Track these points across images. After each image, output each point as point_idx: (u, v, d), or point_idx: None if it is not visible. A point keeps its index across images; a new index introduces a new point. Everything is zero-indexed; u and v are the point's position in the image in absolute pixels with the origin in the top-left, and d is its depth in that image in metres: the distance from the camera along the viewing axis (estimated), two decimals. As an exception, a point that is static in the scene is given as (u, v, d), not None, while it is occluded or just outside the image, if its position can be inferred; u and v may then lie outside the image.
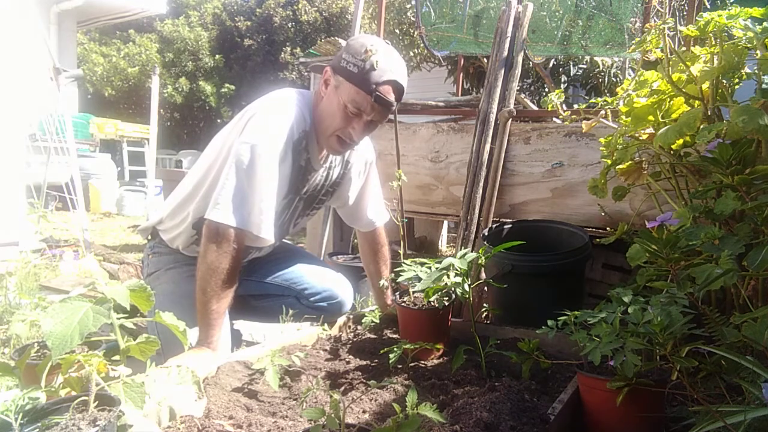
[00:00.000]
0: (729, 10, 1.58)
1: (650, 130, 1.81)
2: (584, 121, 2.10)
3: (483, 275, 2.17)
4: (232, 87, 14.62)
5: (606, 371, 1.28)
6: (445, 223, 4.74)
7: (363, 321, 1.97)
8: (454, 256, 1.66)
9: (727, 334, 1.26)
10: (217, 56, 15.05)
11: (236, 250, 1.56)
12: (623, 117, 1.86)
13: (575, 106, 2.63)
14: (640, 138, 1.82)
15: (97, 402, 0.95)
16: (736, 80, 1.65)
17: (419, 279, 1.65)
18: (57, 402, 0.96)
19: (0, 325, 2.19)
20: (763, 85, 1.50)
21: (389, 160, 3.00)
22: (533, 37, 3.39)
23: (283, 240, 2.12)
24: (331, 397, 0.98)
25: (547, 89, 5.86)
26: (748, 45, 1.58)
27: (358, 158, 1.98)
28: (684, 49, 2.16)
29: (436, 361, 1.69)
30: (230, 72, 15.11)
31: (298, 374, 1.48)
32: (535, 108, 3.87)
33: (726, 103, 1.64)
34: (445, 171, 3.00)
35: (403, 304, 1.76)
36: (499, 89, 2.77)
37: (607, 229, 2.38)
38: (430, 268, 1.67)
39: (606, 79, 5.98)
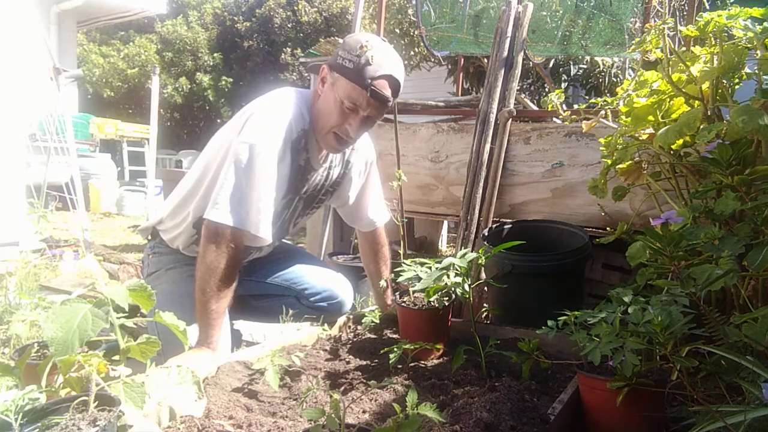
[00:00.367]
0: (729, 10, 1.58)
1: (650, 130, 1.81)
2: (584, 121, 2.10)
3: (483, 275, 2.17)
4: (230, 79, 14.59)
5: (606, 371, 1.28)
6: (445, 223, 4.74)
7: (363, 321, 1.97)
8: (454, 256, 1.66)
9: (727, 333, 1.26)
10: (216, 54, 15.04)
11: (235, 249, 1.56)
12: (623, 117, 1.86)
13: (575, 106, 2.63)
14: (640, 138, 1.82)
15: (97, 402, 0.95)
16: (736, 80, 1.65)
17: (419, 279, 1.65)
18: (57, 402, 0.96)
19: (0, 325, 2.19)
20: (763, 85, 1.50)
21: (389, 160, 3.00)
22: (533, 37, 3.39)
23: (283, 240, 2.11)
24: (331, 397, 0.98)
25: (547, 89, 5.86)
26: (748, 45, 1.58)
27: (358, 158, 1.98)
28: (684, 49, 2.16)
29: (436, 361, 1.69)
30: (230, 72, 15.11)
31: (298, 374, 1.48)
32: (535, 108, 3.87)
33: (726, 103, 1.64)
34: (445, 171, 3.00)
35: (403, 304, 1.76)
36: (499, 89, 2.77)
37: (607, 229, 2.38)
38: (430, 268, 1.67)
39: (606, 79, 5.98)
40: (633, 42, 1.91)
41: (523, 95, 3.96)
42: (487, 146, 2.72)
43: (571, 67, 6.36)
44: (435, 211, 3.08)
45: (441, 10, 3.74)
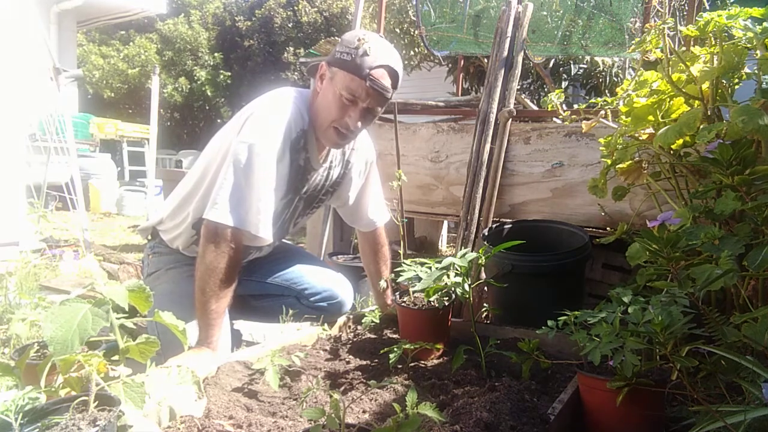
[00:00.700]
0: (729, 10, 1.58)
1: (650, 130, 1.81)
2: (584, 121, 2.10)
3: (483, 275, 2.17)
4: (228, 74, 14.57)
5: (606, 371, 1.28)
6: (445, 223, 4.74)
7: (363, 321, 1.97)
8: (454, 256, 1.66)
9: (727, 333, 1.26)
10: (216, 54, 15.03)
11: (234, 249, 1.55)
12: (623, 117, 1.86)
13: (575, 106, 2.63)
14: (640, 138, 1.82)
15: (97, 402, 0.95)
16: (736, 80, 1.65)
17: (419, 279, 1.65)
18: (57, 402, 0.96)
19: (0, 325, 2.19)
20: (763, 85, 1.50)
21: (389, 160, 3.00)
22: (533, 37, 3.39)
23: (283, 240, 2.11)
24: (331, 397, 0.98)
25: (547, 89, 5.86)
26: (748, 45, 1.58)
27: (358, 158, 1.98)
28: (684, 49, 2.16)
29: (436, 361, 1.69)
30: (230, 71, 15.12)
31: (298, 374, 1.48)
32: (535, 108, 3.87)
33: (726, 103, 1.64)
34: (445, 171, 3.00)
35: (403, 304, 1.76)
36: (499, 89, 2.77)
37: (607, 229, 2.38)
38: (430, 268, 1.67)
39: (606, 79, 5.97)
40: (633, 42, 1.91)
41: (523, 95, 3.96)
42: (487, 146, 2.72)
43: (571, 67, 6.36)
44: (435, 211, 3.08)
45: (441, 10, 3.74)
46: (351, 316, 2.01)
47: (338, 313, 2.06)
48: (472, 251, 1.81)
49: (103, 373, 1.07)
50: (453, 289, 1.65)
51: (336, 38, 3.70)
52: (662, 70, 1.75)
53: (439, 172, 3.02)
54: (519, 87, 3.09)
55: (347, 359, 1.67)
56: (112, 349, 1.17)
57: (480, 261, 1.68)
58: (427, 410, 0.97)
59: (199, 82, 14.70)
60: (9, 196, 3.76)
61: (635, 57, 2.85)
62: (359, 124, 1.70)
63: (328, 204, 2.11)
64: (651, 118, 1.76)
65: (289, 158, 1.68)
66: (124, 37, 15.58)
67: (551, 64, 6.14)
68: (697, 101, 1.69)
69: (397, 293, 1.89)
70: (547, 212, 2.68)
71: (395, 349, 1.55)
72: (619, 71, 5.90)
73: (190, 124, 16.49)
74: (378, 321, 1.96)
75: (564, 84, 6.45)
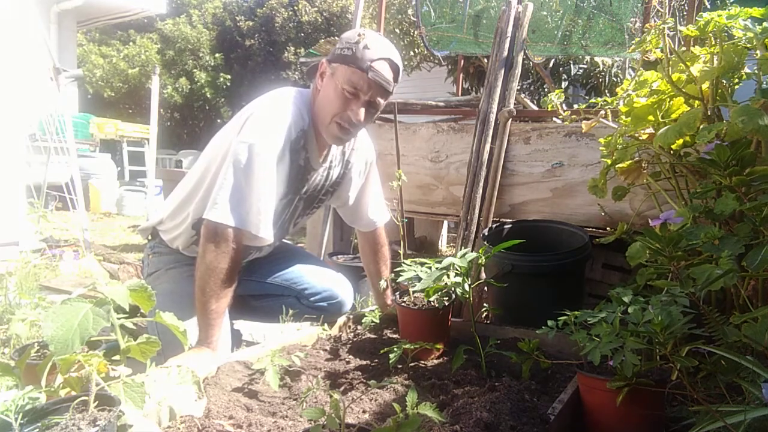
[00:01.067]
0: (729, 10, 1.58)
1: (650, 130, 1.81)
2: (584, 121, 2.10)
3: (483, 275, 2.17)
4: (228, 76, 14.57)
5: (606, 371, 1.28)
6: (445, 223, 4.74)
7: (363, 321, 1.97)
8: (454, 256, 1.66)
9: (727, 333, 1.26)
10: (217, 55, 15.03)
11: (234, 249, 1.55)
12: (623, 117, 1.86)
13: (575, 106, 2.63)
14: (640, 138, 1.83)
15: (97, 402, 0.95)
16: (736, 80, 1.65)
17: (419, 279, 1.65)
18: (57, 402, 0.96)
19: (0, 325, 2.19)
20: (763, 85, 1.50)
21: (389, 160, 3.00)
22: (533, 37, 3.39)
23: (283, 240, 2.11)
24: (331, 397, 0.98)
25: (547, 89, 5.86)
26: (748, 45, 1.58)
27: (358, 158, 1.98)
28: (684, 49, 2.16)
29: (436, 361, 1.69)
30: (231, 71, 15.11)
31: (298, 374, 1.48)
32: (535, 108, 3.87)
33: (726, 103, 1.64)
34: (445, 171, 3.00)
35: (403, 304, 1.76)
36: (499, 89, 2.77)
37: (607, 229, 2.38)
38: (430, 268, 1.67)
39: (606, 79, 5.98)
40: (633, 42, 1.91)
41: (523, 95, 3.97)
42: (487, 146, 2.72)
43: (571, 67, 6.36)
44: (435, 211, 3.08)
45: (441, 10, 3.74)
46: (351, 316, 2.01)
47: (338, 313, 2.06)
48: (472, 251, 1.81)
49: (104, 373, 1.07)
50: (453, 289, 1.65)
51: (335, 38, 3.70)
52: (662, 70, 1.75)
53: (439, 172, 3.02)
54: (519, 87, 3.09)
55: (347, 359, 1.67)
56: (112, 349, 1.17)
57: (480, 261, 1.68)
58: (427, 410, 0.97)
59: (199, 84, 14.70)
60: (9, 196, 3.76)
61: (635, 57, 2.85)
62: (361, 117, 1.69)
63: (328, 204, 2.11)
64: (651, 118, 1.76)
65: (289, 158, 1.68)
66: (124, 37, 15.57)
67: (551, 64, 6.15)
68: (697, 101, 1.69)
69: (397, 293, 1.89)
70: (547, 212, 2.68)
71: (395, 349, 1.55)
72: (619, 71, 5.90)
73: (190, 124, 16.49)
74: (378, 321, 1.96)
75: (564, 84, 6.45)
